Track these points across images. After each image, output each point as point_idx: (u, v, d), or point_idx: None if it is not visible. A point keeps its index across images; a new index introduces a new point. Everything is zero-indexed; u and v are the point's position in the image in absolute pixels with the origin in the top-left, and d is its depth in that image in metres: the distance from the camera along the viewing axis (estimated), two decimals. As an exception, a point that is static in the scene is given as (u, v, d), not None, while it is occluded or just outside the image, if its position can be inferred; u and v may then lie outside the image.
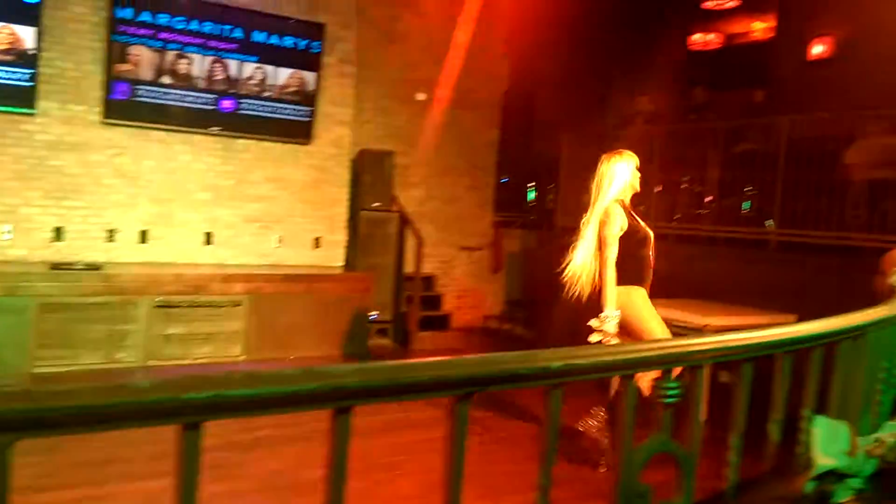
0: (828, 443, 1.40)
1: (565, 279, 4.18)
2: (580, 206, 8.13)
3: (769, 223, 6.38)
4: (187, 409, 0.85)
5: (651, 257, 4.24)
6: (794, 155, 6.06)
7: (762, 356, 1.34)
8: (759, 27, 10.00)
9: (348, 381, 0.89)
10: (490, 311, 9.91)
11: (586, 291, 4.14)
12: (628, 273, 4.10)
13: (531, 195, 10.94)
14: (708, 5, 9.74)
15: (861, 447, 1.43)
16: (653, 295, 4.15)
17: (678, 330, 5.48)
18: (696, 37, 10.50)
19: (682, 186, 7.23)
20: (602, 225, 4.14)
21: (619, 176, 4.22)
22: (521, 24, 8.42)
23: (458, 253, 9.60)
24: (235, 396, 0.86)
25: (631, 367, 1.07)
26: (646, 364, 1.14)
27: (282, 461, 4.07)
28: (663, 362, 1.16)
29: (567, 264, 4.20)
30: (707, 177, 7.09)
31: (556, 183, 8.78)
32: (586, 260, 4.16)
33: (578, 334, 4.10)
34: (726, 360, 1.39)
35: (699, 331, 5.33)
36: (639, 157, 7.53)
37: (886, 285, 2.14)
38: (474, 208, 9.68)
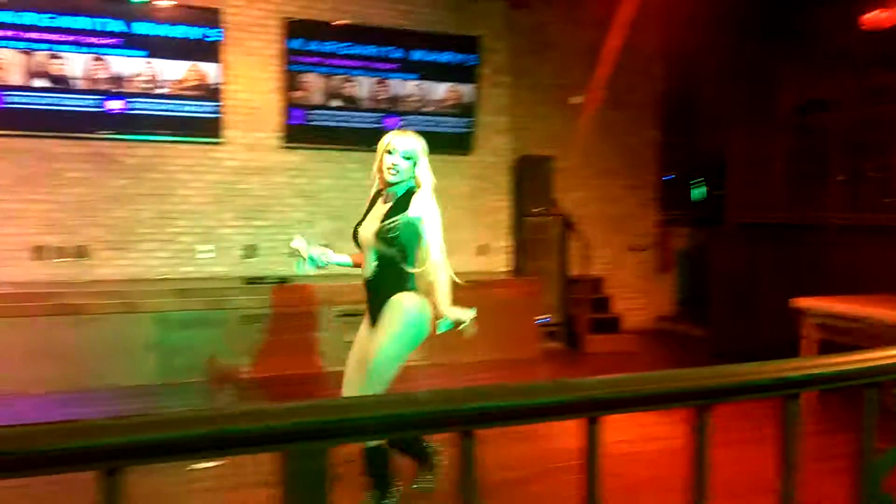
0: None
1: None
2: (753, 200, 7.80)
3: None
4: (461, 419, 0.97)
5: None
6: None
7: None
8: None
9: (597, 394, 0.97)
10: (661, 311, 9.67)
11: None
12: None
13: (696, 192, 10.58)
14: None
15: None
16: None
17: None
18: (869, 15, 9.71)
19: (867, 174, 6.72)
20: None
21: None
22: (677, 24, 8.19)
23: (624, 253, 9.45)
24: (504, 407, 0.98)
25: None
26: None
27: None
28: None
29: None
30: (893, 163, 6.56)
31: (725, 178, 8.44)
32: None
33: None
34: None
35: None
36: (816, 144, 7.12)
37: None
38: (636, 207, 9.50)
